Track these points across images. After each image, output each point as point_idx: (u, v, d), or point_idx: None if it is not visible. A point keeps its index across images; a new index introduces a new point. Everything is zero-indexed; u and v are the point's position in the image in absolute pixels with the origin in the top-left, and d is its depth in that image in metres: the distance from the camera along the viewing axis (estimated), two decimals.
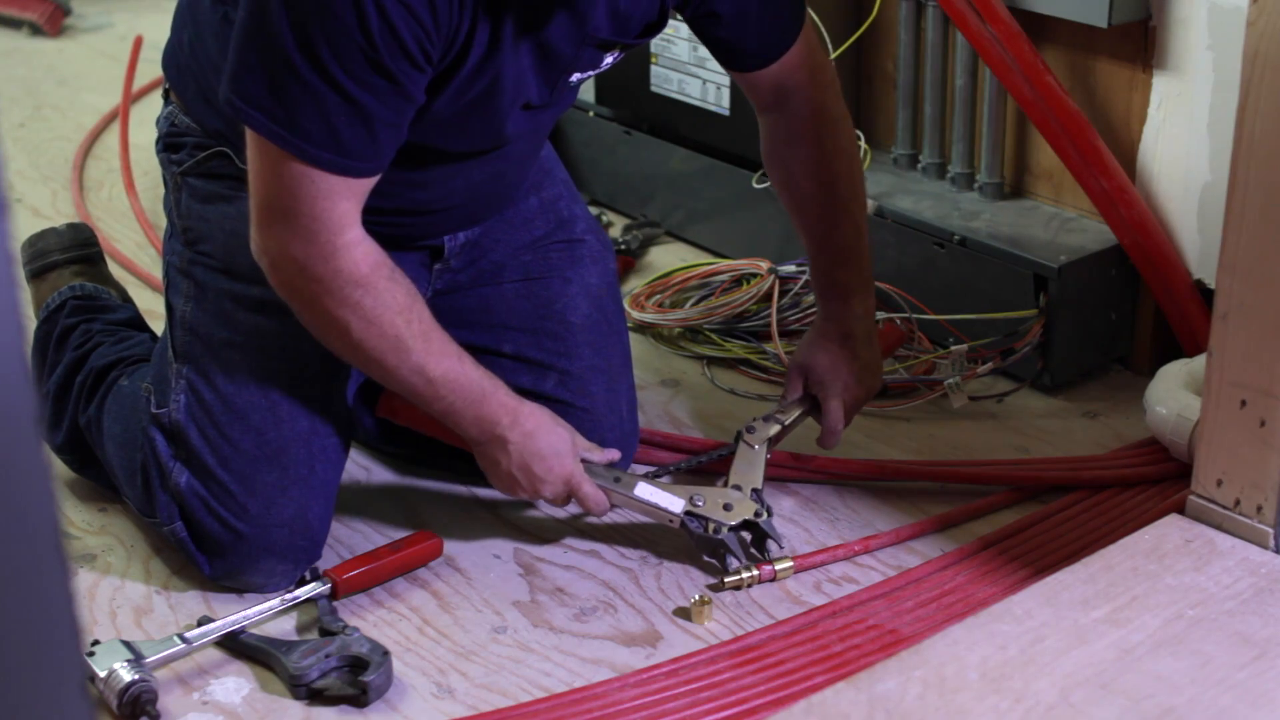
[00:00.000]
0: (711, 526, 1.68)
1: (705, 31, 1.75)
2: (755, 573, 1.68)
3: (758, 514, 1.70)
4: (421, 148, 1.59)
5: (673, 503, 1.70)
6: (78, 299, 2.00)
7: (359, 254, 1.53)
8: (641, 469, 1.87)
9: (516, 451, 1.66)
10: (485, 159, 1.69)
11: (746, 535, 1.73)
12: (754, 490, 1.73)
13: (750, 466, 1.76)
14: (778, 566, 1.69)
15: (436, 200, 1.69)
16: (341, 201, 1.51)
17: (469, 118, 1.59)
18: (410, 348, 1.58)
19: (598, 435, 1.83)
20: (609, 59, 1.66)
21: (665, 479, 1.76)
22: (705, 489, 1.72)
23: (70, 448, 1.86)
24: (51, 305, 2.00)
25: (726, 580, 1.67)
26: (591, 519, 1.81)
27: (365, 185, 1.53)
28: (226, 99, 1.49)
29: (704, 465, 1.86)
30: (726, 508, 1.70)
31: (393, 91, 1.47)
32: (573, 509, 1.82)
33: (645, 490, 1.72)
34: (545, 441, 1.67)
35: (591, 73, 1.66)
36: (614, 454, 1.75)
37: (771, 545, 1.71)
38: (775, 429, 1.81)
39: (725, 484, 1.75)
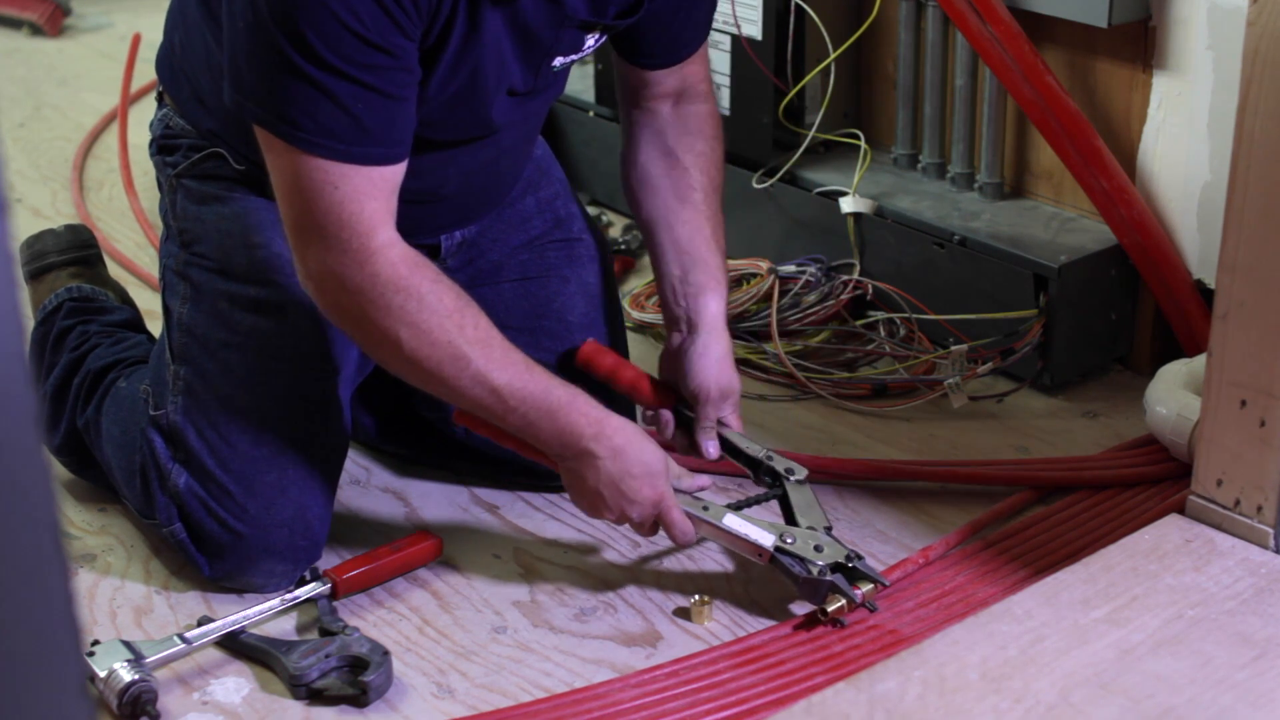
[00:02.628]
0: (816, 570, 1.60)
1: (635, 24, 1.71)
2: (855, 596, 1.61)
3: (849, 558, 1.62)
4: (414, 139, 1.59)
5: (763, 537, 1.63)
6: (74, 301, 2.00)
7: (395, 256, 1.51)
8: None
9: (605, 468, 1.58)
10: (477, 147, 1.69)
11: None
12: (825, 529, 1.67)
13: (810, 507, 1.69)
14: (863, 589, 1.62)
15: (431, 189, 1.69)
16: (369, 201, 1.49)
17: (455, 107, 1.59)
18: (467, 355, 1.53)
19: None
20: (590, 42, 1.66)
21: (745, 510, 1.68)
22: (790, 528, 1.66)
23: (68, 449, 1.86)
24: (48, 307, 2.00)
25: (830, 610, 1.60)
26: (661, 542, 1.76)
27: (390, 180, 1.52)
28: (243, 106, 1.49)
29: (759, 500, 1.76)
30: (817, 549, 1.62)
31: (394, 65, 1.47)
32: (659, 540, 1.74)
33: (734, 522, 1.64)
34: (636, 460, 1.59)
35: (574, 57, 1.66)
36: (704, 481, 1.68)
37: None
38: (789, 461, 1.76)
39: (793, 525, 1.68)
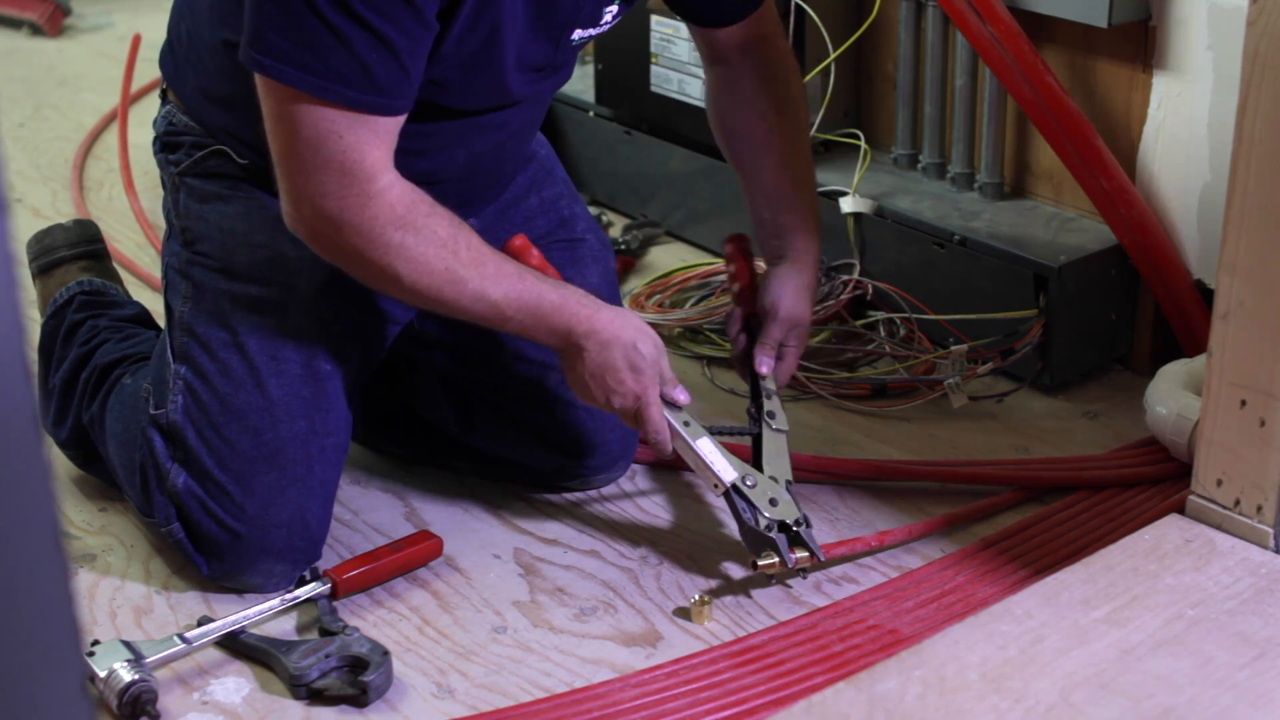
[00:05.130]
0: (764, 523, 1.66)
1: None
2: (790, 559, 1.64)
3: (797, 523, 1.66)
4: (429, 106, 1.59)
5: (726, 471, 1.68)
6: (85, 294, 2.00)
7: (394, 196, 1.53)
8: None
9: (591, 359, 1.63)
10: (487, 125, 1.70)
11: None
12: (787, 482, 1.71)
13: (779, 457, 1.74)
14: (797, 554, 1.65)
15: (435, 170, 1.68)
16: (373, 150, 1.51)
17: (473, 70, 1.59)
18: (464, 277, 1.57)
19: (599, 435, 1.83)
20: (608, 17, 1.68)
21: (721, 440, 1.73)
22: (755, 473, 1.70)
23: (75, 443, 1.86)
24: (59, 300, 2.00)
25: (760, 564, 1.65)
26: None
27: (393, 129, 1.53)
28: (249, 59, 1.49)
29: (731, 443, 1.80)
30: (773, 502, 1.67)
31: (413, 18, 1.48)
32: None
33: (706, 446, 1.69)
34: (621, 355, 1.64)
35: (592, 31, 1.67)
36: (683, 398, 1.71)
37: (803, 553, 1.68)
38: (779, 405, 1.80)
39: (760, 471, 1.72)
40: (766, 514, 1.66)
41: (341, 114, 1.49)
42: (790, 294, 1.81)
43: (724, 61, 1.85)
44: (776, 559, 1.65)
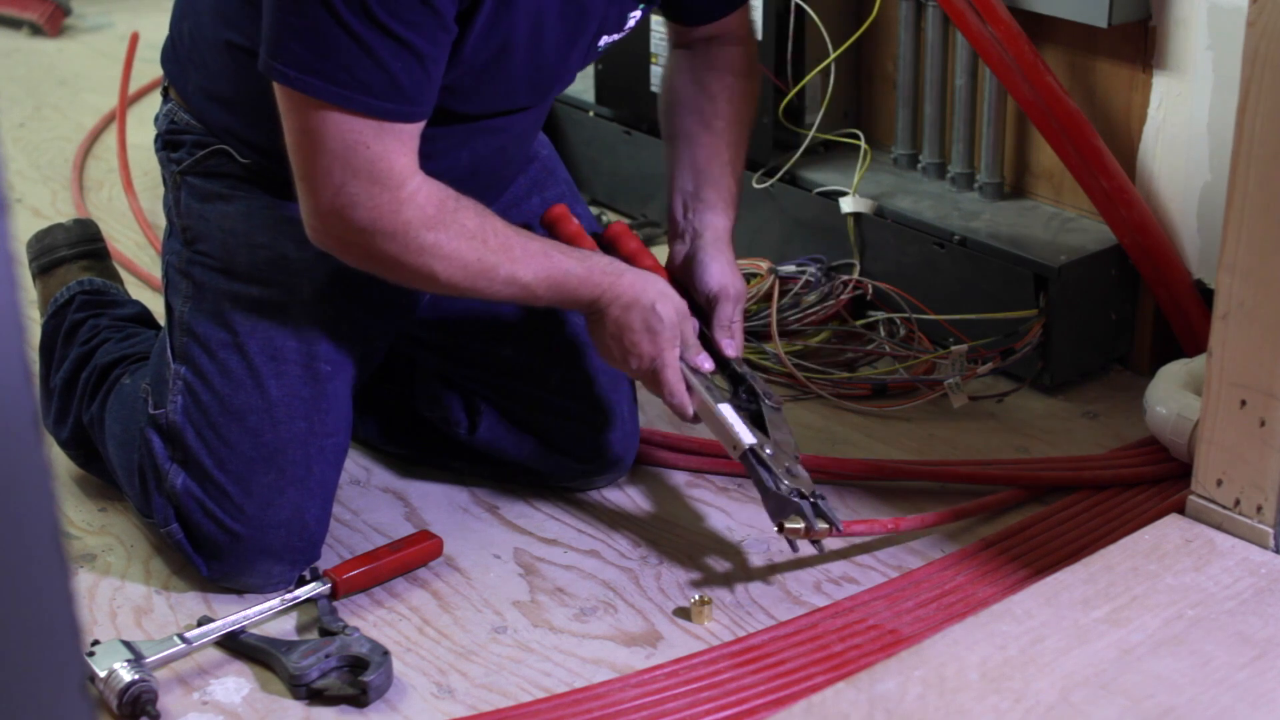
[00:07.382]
0: (786, 489, 1.65)
1: None
2: (815, 524, 1.64)
3: (814, 495, 1.66)
4: (436, 110, 1.58)
5: (745, 436, 1.68)
6: (86, 294, 2.00)
7: (422, 197, 1.54)
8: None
9: (611, 322, 1.66)
10: (492, 129, 1.70)
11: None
12: (795, 458, 1.70)
13: (781, 432, 1.74)
14: (819, 525, 1.65)
15: (440, 172, 1.68)
16: (400, 156, 1.51)
17: (485, 76, 1.59)
18: (495, 264, 1.58)
19: (600, 436, 1.83)
20: (631, 21, 1.69)
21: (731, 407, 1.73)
22: (771, 443, 1.69)
23: (75, 443, 1.86)
24: (60, 300, 2.00)
25: (787, 527, 1.64)
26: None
27: (418, 133, 1.53)
28: (270, 69, 1.48)
29: (738, 408, 1.79)
30: (789, 472, 1.68)
31: (436, 24, 1.47)
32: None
33: (727, 411, 1.70)
34: (639, 317, 1.66)
35: (617, 36, 1.69)
36: (708, 365, 1.72)
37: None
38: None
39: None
40: (786, 481, 1.66)
41: (369, 123, 1.48)
42: (729, 271, 1.79)
43: (688, 46, 1.86)
44: (803, 523, 1.64)
